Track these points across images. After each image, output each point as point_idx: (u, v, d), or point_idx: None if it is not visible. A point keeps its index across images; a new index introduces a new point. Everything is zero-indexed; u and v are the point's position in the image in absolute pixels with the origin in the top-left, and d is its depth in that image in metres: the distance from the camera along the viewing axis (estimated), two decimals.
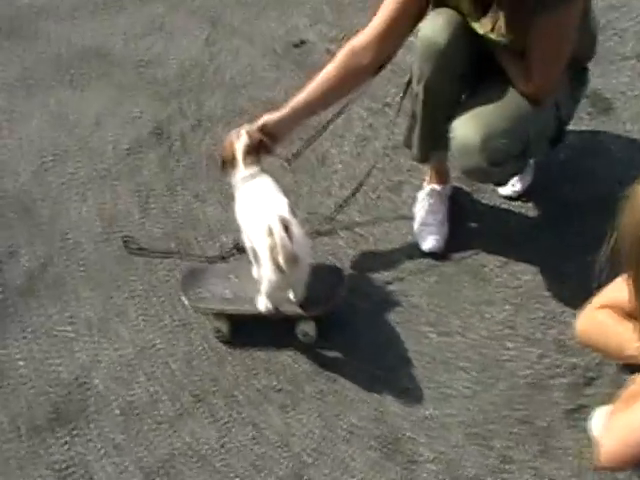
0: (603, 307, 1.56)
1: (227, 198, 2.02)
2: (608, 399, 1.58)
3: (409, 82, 1.91)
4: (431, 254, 2.05)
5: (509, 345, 1.86)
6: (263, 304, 1.79)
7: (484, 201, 2.19)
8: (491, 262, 2.04)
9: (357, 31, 1.85)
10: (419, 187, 2.15)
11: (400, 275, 2.02)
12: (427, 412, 1.73)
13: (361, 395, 1.78)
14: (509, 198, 2.18)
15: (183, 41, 2.78)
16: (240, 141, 1.79)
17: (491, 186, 2.16)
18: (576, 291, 1.77)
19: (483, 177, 1.90)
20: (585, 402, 1.73)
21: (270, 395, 1.80)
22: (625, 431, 1.37)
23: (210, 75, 2.64)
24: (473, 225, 2.14)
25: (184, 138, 2.44)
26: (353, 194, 2.12)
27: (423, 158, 2.02)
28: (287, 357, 1.86)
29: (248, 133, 1.79)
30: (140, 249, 2.08)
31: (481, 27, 1.72)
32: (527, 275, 2.00)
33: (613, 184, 1.65)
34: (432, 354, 1.85)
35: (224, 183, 1.97)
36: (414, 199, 2.14)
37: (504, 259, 2.03)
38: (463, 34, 1.74)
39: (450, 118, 1.79)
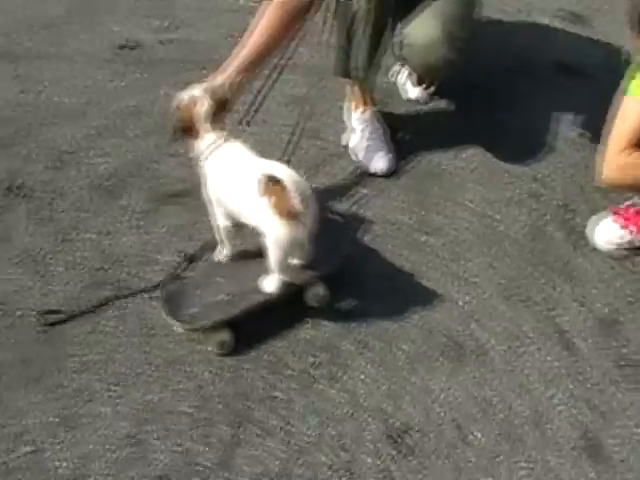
0: (624, 150, 1.64)
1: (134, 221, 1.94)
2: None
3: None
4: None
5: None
6: (273, 283, 1.63)
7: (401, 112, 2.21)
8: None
9: None
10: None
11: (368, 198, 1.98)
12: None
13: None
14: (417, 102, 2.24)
15: None
16: (202, 105, 1.58)
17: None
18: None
19: (446, 70, 1.90)
20: None
21: (314, 373, 1.65)
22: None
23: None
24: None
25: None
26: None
27: (367, 74, 1.96)
28: (306, 331, 1.72)
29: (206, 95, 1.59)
30: (62, 315, 1.72)
31: None
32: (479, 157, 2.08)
33: None
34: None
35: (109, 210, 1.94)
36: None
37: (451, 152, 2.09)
38: None
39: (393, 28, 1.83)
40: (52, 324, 1.71)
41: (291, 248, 1.60)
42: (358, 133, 2.03)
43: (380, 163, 2.01)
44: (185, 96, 1.63)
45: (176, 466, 1.48)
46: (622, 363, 1.65)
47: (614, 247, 1.86)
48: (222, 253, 1.77)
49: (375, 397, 1.62)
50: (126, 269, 1.84)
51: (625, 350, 1.68)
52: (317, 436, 1.55)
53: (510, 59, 2.36)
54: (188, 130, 1.62)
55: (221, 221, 1.69)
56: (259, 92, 1.87)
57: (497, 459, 1.51)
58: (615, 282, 1.83)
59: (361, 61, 1.88)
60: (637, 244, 1.86)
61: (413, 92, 2.20)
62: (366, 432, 1.56)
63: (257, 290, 1.65)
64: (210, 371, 1.65)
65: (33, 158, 2.12)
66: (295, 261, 1.66)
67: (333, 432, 1.56)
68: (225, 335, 1.65)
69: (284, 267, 1.62)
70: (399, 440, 1.55)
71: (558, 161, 2.11)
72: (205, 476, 1.47)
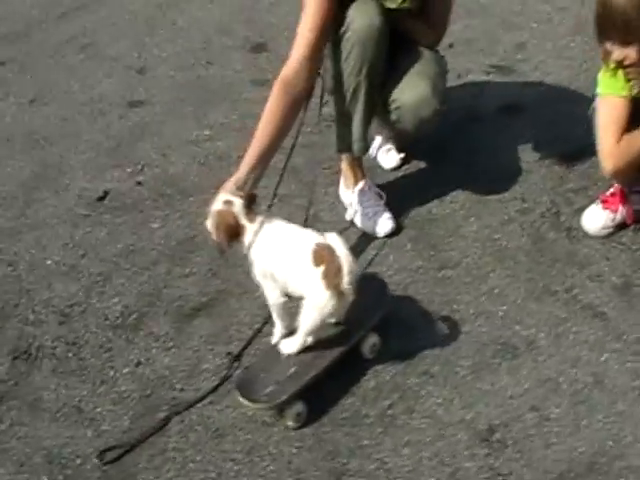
0: (615, 142, 1.95)
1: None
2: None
3: (322, 94, 2.20)
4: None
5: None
6: (294, 344, 1.84)
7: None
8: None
9: None
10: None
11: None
12: None
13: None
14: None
15: None
16: (236, 203, 1.83)
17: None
18: None
19: (436, 121, 2.20)
20: None
21: (392, 413, 1.81)
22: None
23: None
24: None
25: None
26: None
27: (367, 146, 2.29)
28: (369, 381, 1.90)
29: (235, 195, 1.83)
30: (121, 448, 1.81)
31: (393, 2, 2.07)
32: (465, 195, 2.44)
33: None
34: None
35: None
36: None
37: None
38: (383, 14, 2.06)
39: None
40: (113, 461, 1.79)
41: (329, 317, 1.80)
42: (358, 206, 2.31)
43: (384, 225, 2.28)
44: (217, 205, 1.86)
45: None
46: None
47: (609, 230, 2.15)
48: (277, 334, 1.93)
49: (453, 412, 1.79)
50: (174, 386, 1.96)
51: None
52: (415, 463, 1.70)
53: (461, 111, 2.75)
54: (233, 233, 1.82)
55: (274, 298, 1.86)
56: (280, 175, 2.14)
57: (579, 423, 1.68)
58: (618, 257, 2.10)
59: (360, 134, 2.20)
60: (621, 220, 2.14)
61: (393, 160, 2.53)
62: (458, 443, 1.72)
63: (319, 356, 1.84)
64: (293, 445, 1.78)
65: (41, 319, 2.22)
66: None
67: (428, 454, 1.71)
68: (300, 407, 1.80)
69: (313, 331, 1.81)
70: (489, 439, 1.71)
71: (531, 180, 2.44)
72: None
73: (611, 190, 2.16)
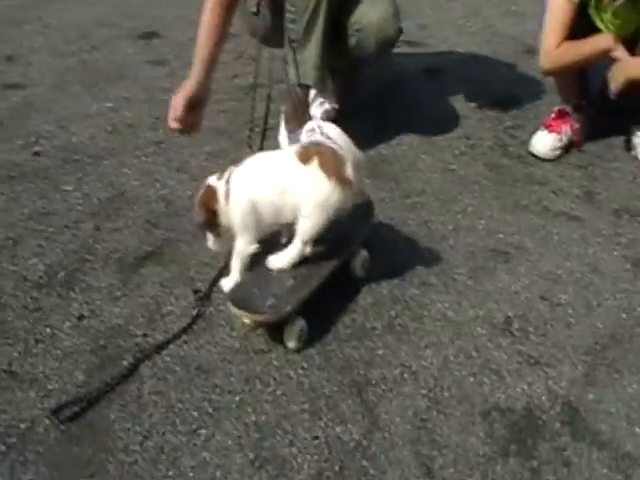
0: (557, 45, 2.08)
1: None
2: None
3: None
4: None
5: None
6: (285, 258, 1.70)
7: None
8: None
9: None
10: None
11: None
12: None
13: None
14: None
15: None
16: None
17: None
18: None
19: (394, 43, 2.24)
20: None
21: (396, 328, 1.70)
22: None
23: None
24: None
25: None
26: None
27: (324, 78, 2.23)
28: (370, 297, 1.79)
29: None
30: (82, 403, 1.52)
31: None
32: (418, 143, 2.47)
33: None
34: None
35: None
36: None
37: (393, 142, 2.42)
38: None
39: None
40: (73, 418, 1.50)
41: (334, 215, 1.64)
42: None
43: None
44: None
45: None
46: None
47: (558, 152, 2.27)
48: (230, 283, 1.73)
49: (464, 312, 1.72)
50: (133, 333, 1.70)
51: None
52: (441, 362, 1.59)
53: (385, 76, 2.83)
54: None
55: (247, 247, 1.70)
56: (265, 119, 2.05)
57: (590, 304, 1.72)
58: (573, 174, 2.24)
59: (317, 62, 2.14)
60: (567, 141, 2.28)
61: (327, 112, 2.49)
62: (479, 337, 1.65)
63: (316, 267, 1.70)
64: (299, 366, 1.60)
65: None
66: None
67: (452, 351, 1.62)
68: (302, 323, 1.64)
69: (314, 236, 1.66)
70: (509, 329, 1.67)
71: (470, 123, 2.54)
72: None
73: (552, 115, 2.30)
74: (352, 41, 2.20)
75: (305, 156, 1.62)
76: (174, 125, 1.98)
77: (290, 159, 1.64)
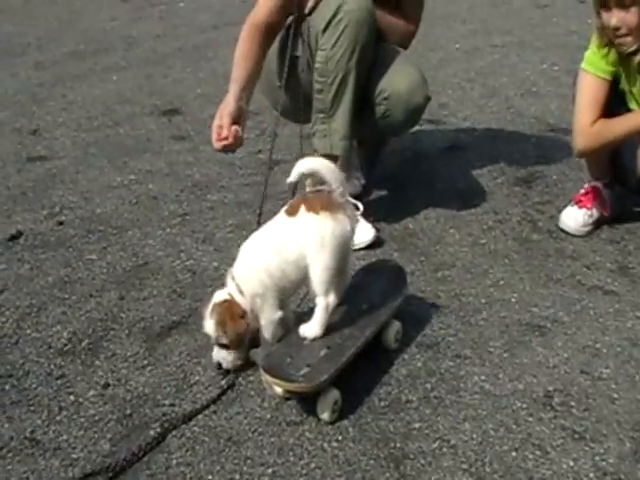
0: (592, 122, 2.14)
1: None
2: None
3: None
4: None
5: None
6: (314, 326, 1.73)
7: None
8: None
9: None
10: None
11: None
12: None
13: None
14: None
15: None
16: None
17: None
18: None
19: (423, 111, 2.32)
20: None
21: (432, 401, 1.71)
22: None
23: None
24: None
25: None
26: None
27: (351, 147, 2.33)
28: (404, 369, 1.80)
29: None
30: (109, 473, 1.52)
31: None
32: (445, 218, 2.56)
33: None
34: None
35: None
36: None
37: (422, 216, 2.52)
38: None
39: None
40: None
41: (340, 247, 1.66)
42: None
43: (365, 234, 2.27)
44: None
45: None
46: None
47: (589, 228, 2.33)
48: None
49: (502, 385, 1.73)
50: (161, 403, 1.72)
51: None
52: (481, 436, 1.59)
53: (407, 151, 2.94)
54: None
55: (272, 313, 1.75)
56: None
57: (634, 378, 1.74)
58: (605, 248, 2.28)
59: (346, 131, 2.23)
60: (598, 216, 2.35)
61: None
62: (519, 411, 1.65)
63: (350, 336, 1.73)
64: (333, 439, 1.60)
65: None
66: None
67: (492, 425, 1.61)
68: (336, 394, 1.65)
69: (331, 280, 1.67)
70: (550, 403, 1.67)
71: (497, 198, 2.61)
72: None
73: (582, 191, 2.38)
74: (380, 110, 2.28)
75: (293, 209, 1.71)
76: (219, 145, 2.04)
77: (281, 218, 1.74)
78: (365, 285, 1.92)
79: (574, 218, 2.34)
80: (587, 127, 2.16)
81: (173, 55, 4.72)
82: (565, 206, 2.40)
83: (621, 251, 2.26)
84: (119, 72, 4.37)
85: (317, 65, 2.20)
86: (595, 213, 2.34)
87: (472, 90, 3.68)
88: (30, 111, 3.73)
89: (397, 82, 2.24)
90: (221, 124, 2.04)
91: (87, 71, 4.42)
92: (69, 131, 3.43)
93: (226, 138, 2.03)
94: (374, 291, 1.89)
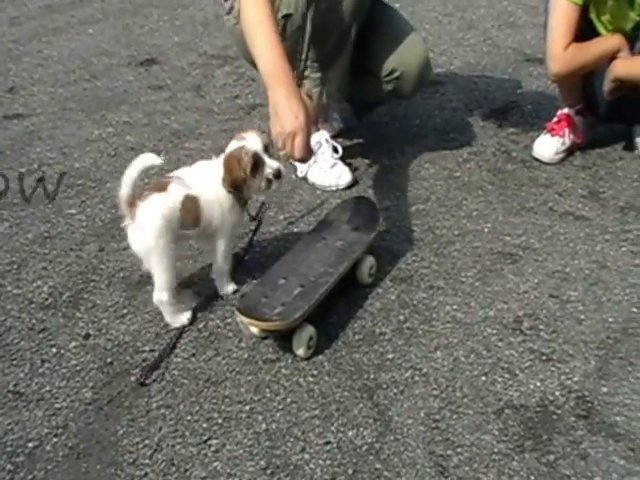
0: (565, 47, 2.10)
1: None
2: None
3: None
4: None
5: None
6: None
7: None
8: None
9: None
10: None
11: None
12: None
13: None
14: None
15: None
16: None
17: None
18: None
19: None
20: None
21: (405, 332, 1.72)
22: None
23: None
24: None
25: None
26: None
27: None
28: (378, 302, 1.81)
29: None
30: None
31: None
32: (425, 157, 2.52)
33: None
34: None
35: None
36: None
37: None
38: None
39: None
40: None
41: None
42: (312, 159, 2.25)
43: (344, 177, 2.25)
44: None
45: None
46: None
47: (562, 155, 2.31)
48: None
49: (474, 313, 1.75)
50: (141, 349, 1.73)
51: None
52: (452, 363, 1.61)
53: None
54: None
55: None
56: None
57: (600, 300, 1.73)
58: (577, 175, 2.27)
59: (342, 82, 2.22)
60: (570, 143, 2.32)
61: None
62: (489, 337, 1.67)
63: (324, 274, 1.74)
64: (308, 374, 1.62)
65: None
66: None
67: (463, 352, 1.64)
68: (311, 330, 1.66)
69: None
70: (520, 328, 1.68)
71: (472, 131, 2.58)
72: None
73: (555, 119, 2.34)
74: (388, 86, 2.28)
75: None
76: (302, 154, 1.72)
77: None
78: (338, 223, 1.92)
79: (547, 146, 2.31)
80: (561, 51, 2.12)
81: (149, 4, 4.59)
82: (538, 135, 2.37)
83: (592, 177, 2.24)
84: (95, 24, 4.25)
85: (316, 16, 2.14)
86: (567, 141, 2.31)
87: (450, 24, 3.58)
88: (6, 68, 3.64)
89: (408, 62, 2.23)
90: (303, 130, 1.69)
91: (63, 25, 4.30)
92: (46, 87, 3.36)
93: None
94: (347, 229, 1.89)
